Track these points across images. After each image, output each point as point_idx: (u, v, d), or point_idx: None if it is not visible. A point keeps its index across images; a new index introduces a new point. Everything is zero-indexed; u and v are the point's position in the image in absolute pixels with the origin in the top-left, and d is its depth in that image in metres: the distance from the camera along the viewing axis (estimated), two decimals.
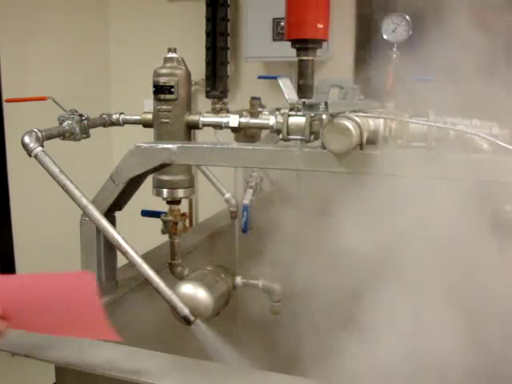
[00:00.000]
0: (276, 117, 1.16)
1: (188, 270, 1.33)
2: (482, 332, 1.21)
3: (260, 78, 2.08)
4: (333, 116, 1.03)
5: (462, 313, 1.18)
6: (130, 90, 2.80)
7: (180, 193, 1.28)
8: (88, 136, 1.30)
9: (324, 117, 1.08)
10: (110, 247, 1.24)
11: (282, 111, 1.16)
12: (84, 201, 1.13)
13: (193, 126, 1.26)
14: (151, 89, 1.24)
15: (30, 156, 1.14)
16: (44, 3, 2.54)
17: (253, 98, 1.78)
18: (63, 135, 1.25)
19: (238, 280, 1.34)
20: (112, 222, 1.21)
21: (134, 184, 1.22)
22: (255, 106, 1.73)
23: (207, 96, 2.58)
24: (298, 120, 1.13)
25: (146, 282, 1.09)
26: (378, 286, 1.24)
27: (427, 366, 1.17)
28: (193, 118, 1.25)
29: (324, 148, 1.05)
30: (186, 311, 1.08)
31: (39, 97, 1.33)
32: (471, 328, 1.20)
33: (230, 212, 1.76)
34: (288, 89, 1.17)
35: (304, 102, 1.00)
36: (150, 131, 1.28)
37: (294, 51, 1.35)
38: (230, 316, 1.34)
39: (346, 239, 1.28)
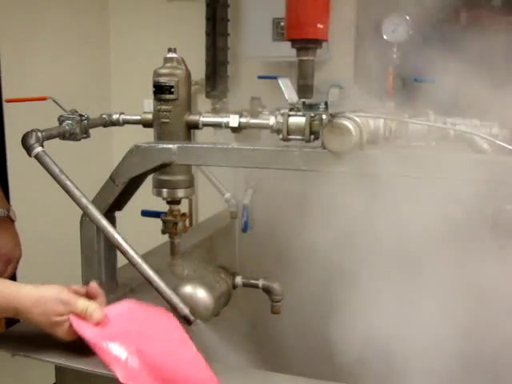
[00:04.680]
0: (276, 117, 1.16)
1: (188, 270, 1.32)
2: (481, 331, 1.21)
3: (260, 77, 2.08)
4: (333, 116, 1.03)
5: (461, 312, 1.18)
6: (130, 90, 2.80)
7: (180, 193, 1.28)
8: (88, 136, 1.30)
9: (324, 117, 1.08)
10: (110, 247, 1.24)
11: (282, 111, 1.16)
12: (84, 201, 1.13)
13: (193, 126, 1.26)
14: (151, 89, 1.24)
15: (30, 156, 1.14)
16: (44, 3, 2.54)
17: (253, 98, 1.78)
18: (63, 135, 1.25)
19: (238, 280, 1.34)
20: (112, 222, 1.21)
21: (133, 184, 1.22)
22: (255, 106, 1.73)
23: (207, 96, 2.58)
24: (298, 120, 1.13)
25: (146, 281, 1.09)
26: (377, 283, 1.25)
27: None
28: (193, 118, 1.25)
29: (324, 148, 1.05)
30: (186, 311, 1.08)
31: (39, 97, 1.33)
32: (470, 327, 1.20)
33: (230, 212, 1.76)
34: (288, 89, 1.17)
35: (304, 102, 1.00)
36: (150, 131, 1.28)
37: (294, 51, 1.35)
38: (230, 316, 1.34)
39: (345, 237, 1.28)
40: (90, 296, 1.00)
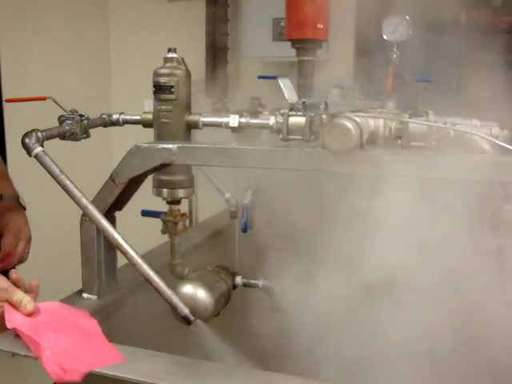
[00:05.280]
0: (276, 117, 1.16)
1: (188, 270, 1.33)
2: (480, 335, 1.21)
3: (260, 77, 2.08)
4: (333, 116, 1.03)
5: (460, 312, 1.18)
6: (130, 90, 2.80)
7: (180, 193, 1.28)
8: (88, 136, 1.30)
9: (324, 117, 1.08)
10: (110, 247, 1.24)
11: (282, 111, 1.16)
12: (84, 201, 1.13)
13: (193, 126, 1.26)
14: (151, 89, 1.24)
15: (30, 156, 1.14)
16: (44, 3, 2.54)
17: (253, 98, 1.77)
18: (63, 135, 1.25)
19: (238, 280, 1.34)
20: (112, 222, 1.21)
21: (134, 184, 1.22)
22: (255, 106, 1.73)
23: (207, 96, 2.58)
24: (297, 120, 1.13)
25: (146, 281, 1.09)
26: (376, 290, 1.24)
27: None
28: (193, 118, 1.25)
29: (324, 148, 1.05)
30: (185, 311, 1.08)
31: (39, 97, 1.33)
32: (469, 328, 1.20)
33: (230, 212, 1.76)
34: (288, 89, 1.17)
35: (304, 102, 1.00)
36: (150, 131, 1.28)
37: (293, 51, 1.35)
38: (230, 316, 1.33)
39: (345, 237, 1.27)
40: (28, 290, 1.07)
